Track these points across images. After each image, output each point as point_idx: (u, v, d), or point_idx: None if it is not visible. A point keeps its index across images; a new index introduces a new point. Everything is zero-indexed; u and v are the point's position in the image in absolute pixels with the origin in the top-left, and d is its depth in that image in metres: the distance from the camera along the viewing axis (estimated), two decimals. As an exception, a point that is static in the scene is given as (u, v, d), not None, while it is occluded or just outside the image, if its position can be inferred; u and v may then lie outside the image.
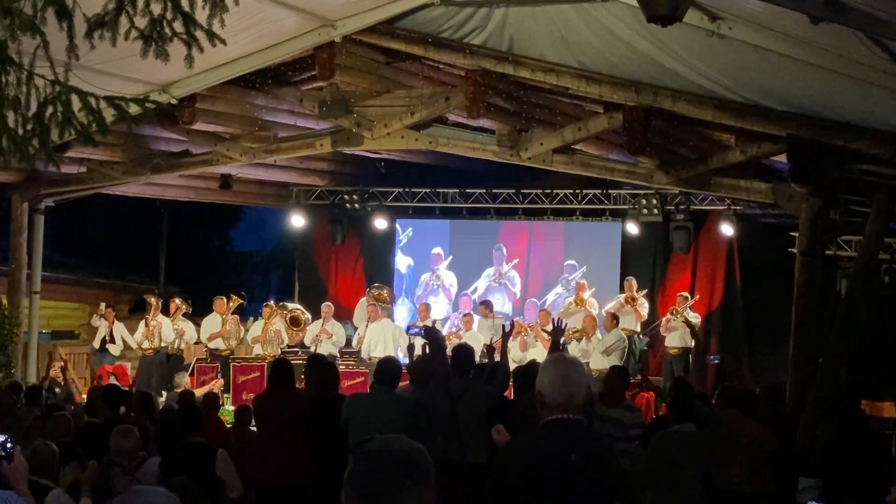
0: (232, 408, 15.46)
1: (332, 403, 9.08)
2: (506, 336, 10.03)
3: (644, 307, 17.86)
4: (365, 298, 18.93)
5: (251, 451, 9.79)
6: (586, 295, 18.22)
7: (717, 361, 16.76)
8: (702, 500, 7.22)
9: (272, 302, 18.98)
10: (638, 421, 9.42)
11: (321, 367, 10.21)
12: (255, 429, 11.13)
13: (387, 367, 9.19)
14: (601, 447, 4.78)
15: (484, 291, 20.47)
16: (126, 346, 18.93)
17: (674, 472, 4.73)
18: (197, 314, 19.35)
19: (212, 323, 18.58)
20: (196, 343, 18.95)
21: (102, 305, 19.33)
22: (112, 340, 18.77)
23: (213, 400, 12.23)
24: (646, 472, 7.39)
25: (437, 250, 20.93)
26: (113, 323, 18.89)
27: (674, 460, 6.84)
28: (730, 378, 13.30)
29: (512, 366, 14.71)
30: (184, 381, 15.90)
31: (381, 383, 9.05)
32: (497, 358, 9.89)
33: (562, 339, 9.95)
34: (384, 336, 17.67)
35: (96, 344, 19.05)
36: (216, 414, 11.79)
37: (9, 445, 4.20)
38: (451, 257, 20.99)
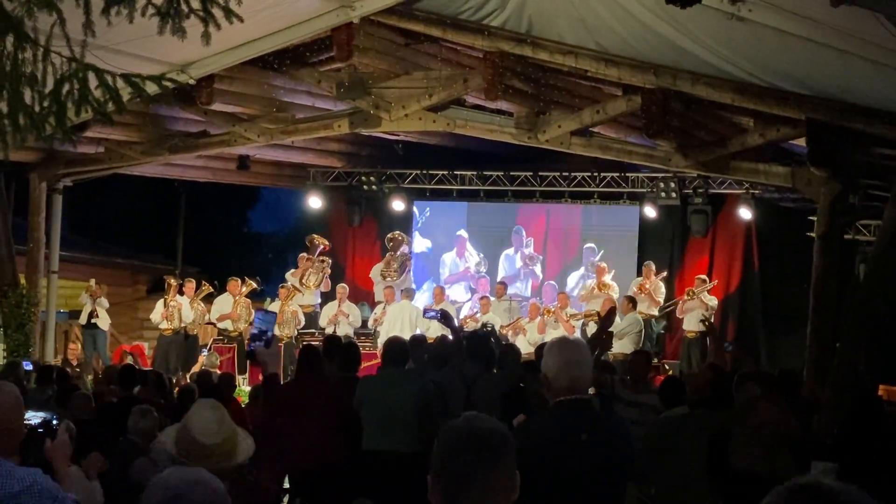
0: (248, 388, 15.49)
1: (354, 384, 9.08)
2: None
3: (660, 291, 17.78)
4: (379, 264, 19.03)
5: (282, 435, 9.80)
6: (607, 278, 18.13)
7: (730, 349, 16.78)
8: (702, 481, 7.17)
9: (289, 283, 19.00)
10: None
11: (344, 348, 10.20)
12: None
13: (394, 349, 9.17)
14: (612, 427, 4.72)
15: (510, 276, 20.38)
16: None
17: (668, 455, 4.73)
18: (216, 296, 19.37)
19: (223, 304, 18.59)
20: (207, 324, 18.97)
21: (93, 282, 19.27)
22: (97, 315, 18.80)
23: (228, 380, 12.27)
24: (644, 461, 7.35)
25: (462, 232, 20.83)
26: (98, 297, 18.88)
27: (667, 445, 6.81)
28: (739, 366, 13.26)
29: (529, 349, 14.78)
30: (215, 361, 15.98)
31: (390, 364, 9.03)
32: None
33: None
34: (401, 318, 17.67)
35: (82, 320, 19.03)
36: (231, 394, 11.83)
37: (54, 423, 4.22)
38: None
